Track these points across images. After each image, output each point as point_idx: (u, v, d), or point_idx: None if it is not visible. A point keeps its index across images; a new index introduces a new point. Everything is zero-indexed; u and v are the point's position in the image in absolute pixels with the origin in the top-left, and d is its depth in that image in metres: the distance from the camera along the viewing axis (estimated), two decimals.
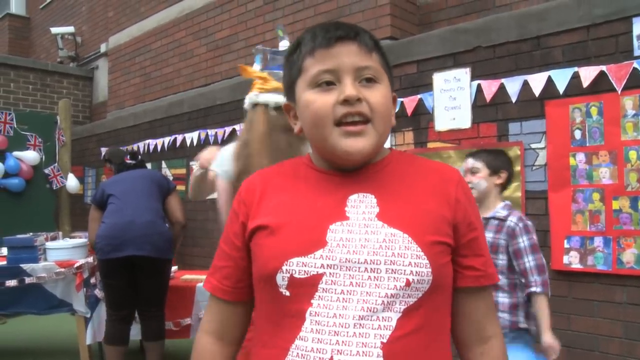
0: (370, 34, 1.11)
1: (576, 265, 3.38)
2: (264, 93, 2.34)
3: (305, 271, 1.01)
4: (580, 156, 3.40)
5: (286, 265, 1.01)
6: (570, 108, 3.44)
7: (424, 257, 1.00)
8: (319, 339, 0.98)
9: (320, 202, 1.08)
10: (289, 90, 1.15)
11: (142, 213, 3.92)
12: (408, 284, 0.99)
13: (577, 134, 3.42)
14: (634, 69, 3.18)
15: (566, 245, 3.42)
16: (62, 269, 4.32)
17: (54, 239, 4.85)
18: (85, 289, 4.38)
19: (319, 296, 1.00)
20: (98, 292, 4.35)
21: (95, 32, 9.99)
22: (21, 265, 4.27)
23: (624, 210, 3.24)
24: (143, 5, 8.23)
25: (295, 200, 1.10)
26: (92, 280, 4.42)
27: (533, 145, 3.61)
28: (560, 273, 3.45)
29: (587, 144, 3.38)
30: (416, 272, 0.99)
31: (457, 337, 1.16)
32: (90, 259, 4.47)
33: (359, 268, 0.99)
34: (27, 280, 4.23)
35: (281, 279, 1.02)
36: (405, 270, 0.99)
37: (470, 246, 1.11)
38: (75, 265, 4.35)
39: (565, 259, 3.41)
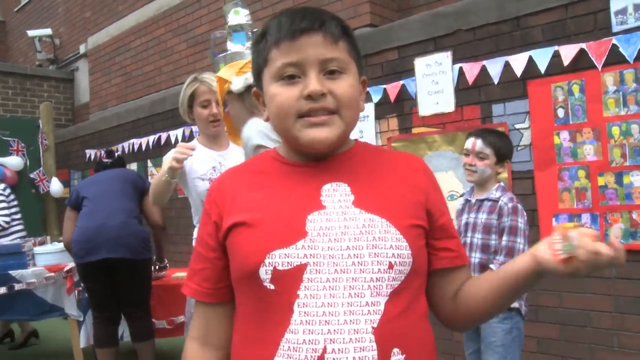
0: (337, 20, 1.09)
1: None
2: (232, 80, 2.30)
3: (288, 262, 0.99)
4: (564, 134, 3.42)
5: (268, 258, 1.00)
6: (552, 87, 3.46)
7: (403, 240, 1.03)
8: (310, 330, 0.97)
9: (294, 194, 1.07)
10: (257, 78, 1.14)
11: (115, 214, 3.83)
12: (391, 266, 1.00)
13: (560, 113, 3.44)
14: (613, 45, 3.19)
15: (554, 224, 3.45)
16: (52, 274, 4.29)
17: (42, 243, 4.81)
18: (76, 292, 4.35)
19: (305, 286, 0.98)
20: None
21: (74, 34, 9.87)
22: (10, 272, 4.22)
23: (610, 186, 3.26)
24: (120, 4, 8.15)
25: (269, 194, 1.09)
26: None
27: (517, 126, 3.63)
28: None
29: (571, 122, 3.40)
30: (397, 254, 1.01)
31: (443, 317, 1.18)
32: None
33: (342, 255, 0.99)
34: (17, 286, 4.19)
35: (264, 273, 1.00)
36: (387, 254, 1.00)
37: (444, 229, 1.14)
38: (65, 269, 4.32)
39: None
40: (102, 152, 4.59)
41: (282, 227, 1.03)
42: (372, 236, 1.01)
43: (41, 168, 6.70)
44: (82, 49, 9.44)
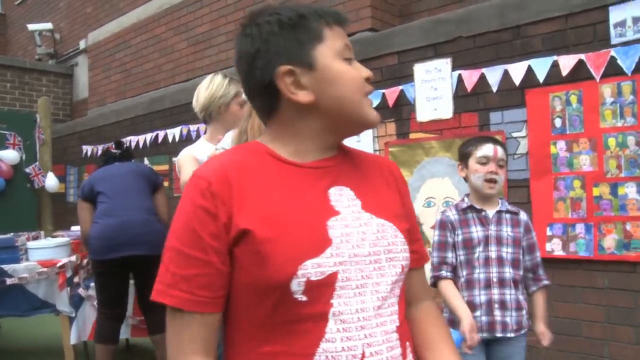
0: None
1: (559, 252, 3.41)
2: None
3: (321, 272, 0.97)
4: (561, 144, 3.43)
5: (301, 269, 0.96)
6: (551, 96, 3.47)
7: (405, 242, 1.09)
8: (347, 337, 0.97)
9: (305, 198, 1.04)
10: (296, 52, 1.05)
11: (136, 212, 3.89)
12: (402, 269, 1.07)
13: (558, 122, 3.44)
14: (612, 57, 3.21)
15: (548, 233, 3.45)
16: (45, 269, 4.27)
17: (35, 238, 4.80)
18: (68, 288, 4.34)
19: (338, 295, 0.98)
20: (82, 291, 4.31)
21: (74, 29, 9.86)
22: (2, 266, 4.21)
23: (604, 197, 3.27)
24: (122, 0, 8.14)
25: (281, 197, 1.02)
26: (76, 280, 4.38)
27: (514, 134, 3.63)
28: (543, 260, 3.46)
29: (568, 132, 3.41)
30: (404, 257, 1.08)
31: None
32: (73, 258, 4.43)
33: (365, 261, 1.02)
34: (9, 281, 4.18)
35: (297, 285, 0.96)
36: (399, 257, 1.07)
37: (413, 231, 1.19)
38: (58, 265, 4.31)
39: (548, 246, 3.44)
40: (112, 143, 4.54)
41: (308, 234, 0.99)
42: (387, 241, 1.06)
43: (37, 163, 6.68)
44: (82, 44, 9.42)
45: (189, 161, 2.79)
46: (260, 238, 0.97)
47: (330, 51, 1.07)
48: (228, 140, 2.55)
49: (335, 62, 1.07)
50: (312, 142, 1.10)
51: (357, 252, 1.01)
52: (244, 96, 2.88)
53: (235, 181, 1.02)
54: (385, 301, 1.03)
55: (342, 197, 1.07)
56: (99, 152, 7.20)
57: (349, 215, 1.04)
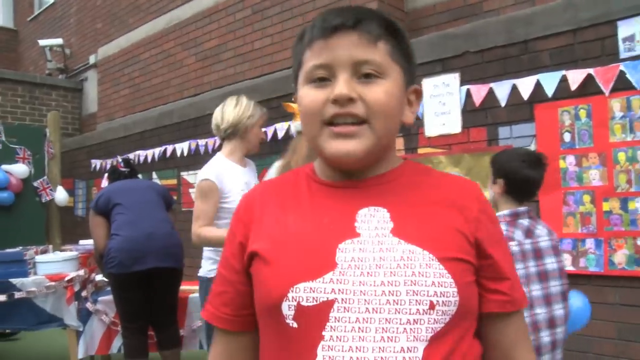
0: (381, 18, 0.97)
1: (569, 267, 3.38)
2: None
3: (313, 297, 0.88)
4: (570, 158, 3.42)
5: (292, 291, 0.89)
6: (559, 111, 3.46)
7: (447, 275, 0.89)
8: None
9: (326, 218, 0.96)
10: (295, 82, 1.04)
11: (160, 225, 3.91)
12: (432, 306, 0.87)
13: (567, 137, 3.43)
14: (621, 71, 3.20)
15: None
16: (53, 283, 4.27)
17: (44, 252, 4.81)
18: (76, 302, 4.33)
19: (331, 326, 0.86)
20: (90, 305, 4.31)
21: (84, 44, 9.97)
22: (10, 279, 4.21)
23: (614, 212, 3.25)
24: (131, 16, 8.23)
25: (298, 218, 0.98)
26: (84, 294, 4.38)
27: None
28: None
29: (577, 147, 3.39)
30: (440, 292, 0.87)
31: None
32: (82, 272, 4.43)
33: (376, 291, 0.87)
34: (17, 295, 4.18)
35: (287, 308, 0.89)
36: (428, 292, 0.87)
37: (496, 267, 0.98)
38: (66, 279, 4.31)
39: None
40: (119, 160, 4.58)
41: (309, 256, 0.92)
42: (412, 271, 0.88)
43: (45, 177, 6.71)
44: (92, 59, 9.52)
45: (209, 195, 2.94)
46: (264, 258, 0.95)
47: (302, 77, 0.99)
48: (272, 171, 2.75)
49: (303, 87, 0.98)
50: (327, 166, 1.02)
51: (365, 281, 0.88)
52: (264, 121, 3.19)
53: (259, 204, 1.04)
54: (396, 343, 0.85)
55: (372, 218, 0.94)
56: (108, 166, 7.23)
57: (370, 238, 0.92)
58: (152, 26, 7.72)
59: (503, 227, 2.24)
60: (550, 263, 2.24)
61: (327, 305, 0.87)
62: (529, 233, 2.26)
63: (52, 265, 4.47)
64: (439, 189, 1.00)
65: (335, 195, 0.99)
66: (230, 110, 3.11)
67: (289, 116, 5.00)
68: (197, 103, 6.43)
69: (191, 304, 4.26)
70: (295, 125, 2.62)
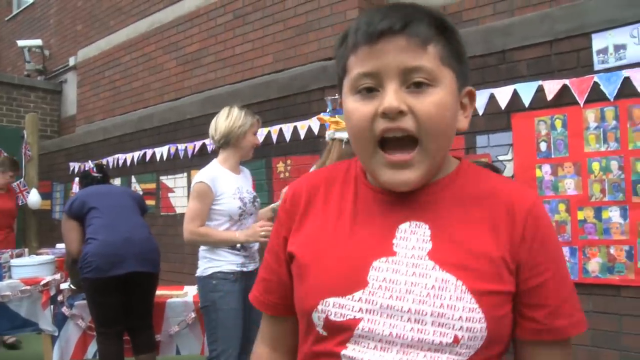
0: (431, 17, 0.89)
1: None
2: (339, 131, 2.64)
3: (341, 314, 0.88)
4: (546, 167, 3.47)
5: (322, 304, 0.90)
6: (536, 120, 3.51)
7: (478, 311, 0.84)
8: None
9: (366, 230, 0.93)
10: (340, 89, 0.97)
11: (137, 229, 3.89)
12: (456, 340, 0.84)
13: (543, 146, 3.49)
14: (595, 82, 3.27)
15: None
16: (28, 287, 4.22)
17: (19, 255, 4.75)
18: (52, 306, 4.28)
19: (355, 341, 0.88)
20: (65, 310, 4.26)
21: (64, 45, 9.87)
22: None
23: (589, 220, 3.31)
24: (112, 18, 8.18)
25: (339, 224, 0.96)
26: (60, 298, 4.33)
27: (500, 157, 3.67)
28: None
29: (553, 156, 3.45)
30: (467, 327, 0.84)
31: None
32: (58, 276, 4.38)
33: (402, 317, 0.86)
34: None
35: (317, 318, 0.91)
36: (454, 325, 0.84)
37: (534, 294, 0.90)
38: (42, 283, 4.26)
39: None
40: (91, 165, 4.55)
41: (342, 271, 0.91)
42: (441, 302, 0.85)
43: (22, 179, 6.63)
44: (71, 61, 9.44)
45: (203, 197, 3.12)
46: (300, 262, 0.97)
47: (347, 85, 0.93)
48: None
49: (347, 99, 0.92)
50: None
51: (393, 305, 0.86)
52: (257, 128, 3.30)
53: (305, 198, 1.02)
54: None
55: (412, 235, 0.91)
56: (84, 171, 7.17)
57: (405, 259, 0.89)
58: (134, 29, 7.68)
59: None
60: None
61: (354, 322, 0.88)
62: None
63: (28, 269, 4.41)
64: (488, 202, 0.93)
65: (379, 203, 0.95)
66: (222, 122, 3.27)
67: (269, 122, 5.01)
68: (177, 107, 6.41)
69: (169, 309, 4.23)
70: (328, 134, 2.74)
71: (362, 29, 0.88)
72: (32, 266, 4.44)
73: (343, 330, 0.88)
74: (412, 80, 0.86)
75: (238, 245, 3.14)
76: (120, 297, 3.84)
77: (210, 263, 3.15)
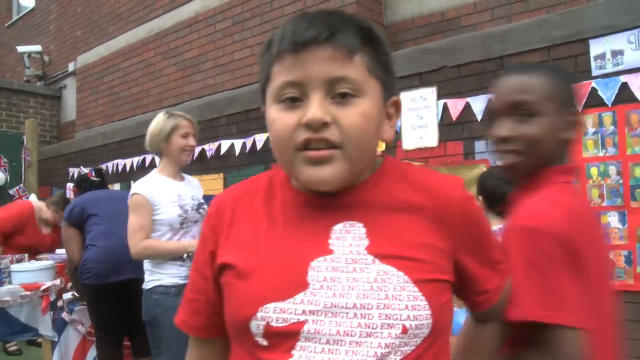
0: (357, 26, 0.88)
1: None
2: None
3: (283, 319, 0.85)
4: None
5: (261, 311, 0.86)
6: None
7: (422, 298, 0.85)
8: None
9: (299, 233, 0.92)
10: (262, 94, 0.96)
11: None
12: (405, 331, 0.84)
13: None
14: (593, 88, 3.28)
15: None
16: (28, 292, 4.22)
17: (19, 261, 4.75)
18: (51, 312, 4.29)
19: (301, 346, 0.84)
20: (65, 315, 4.27)
21: (63, 51, 9.89)
22: None
23: None
24: (112, 24, 8.20)
25: (270, 230, 0.94)
26: (59, 303, 4.33)
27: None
28: None
29: None
30: (414, 316, 0.84)
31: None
32: (58, 281, 4.39)
33: (347, 314, 0.84)
34: None
35: (256, 327, 0.87)
36: (401, 315, 0.84)
37: (473, 281, 1.00)
38: (42, 288, 4.26)
39: None
40: (91, 170, 4.54)
41: (280, 275, 0.88)
42: (385, 294, 0.84)
43: (22, 184, 6.65)
44: (71, 67, 9.45)
45: (141, 208, 3.02)
46: (234, 272, 0.92)
47: (270, 93, 0.91)
48: None
49: (270, 108, 0.91)
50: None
51: (336, 302, 0.84)
52: (185, 130, 3.13)
53: (229, 209, 0.99)
54: None
55: (347, 234, 0.90)
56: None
57: (343, 256, 0.88)
58: (133, 35, 7.70)
59: None
60: None
61: (298, 326, 0.85)
62: None
63: (28, 274, 4.41)
64: (420, 193, 0.94)
65: (309, 206, 0.94)
66: (148, 130, 3.22)
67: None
68: None
69: None
70: None
71: (288, 37, 0.86)
72: (32, 271, 4.44)
73: (287, 337, 0.85)
74: (337, 91, 0.86)
75: (184, 255, 2.98)
76: (119, 303, 3.85)
77: (152, 276, 3.07)
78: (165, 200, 3.03)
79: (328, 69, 0.85)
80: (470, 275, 0.97)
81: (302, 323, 0.84)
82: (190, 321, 1.02)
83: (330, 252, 0.88)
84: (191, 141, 3.18)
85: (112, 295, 3.81)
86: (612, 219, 3.24)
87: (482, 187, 2.45)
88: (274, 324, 0.85)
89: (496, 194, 2.35)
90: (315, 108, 0.84)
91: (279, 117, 0.88)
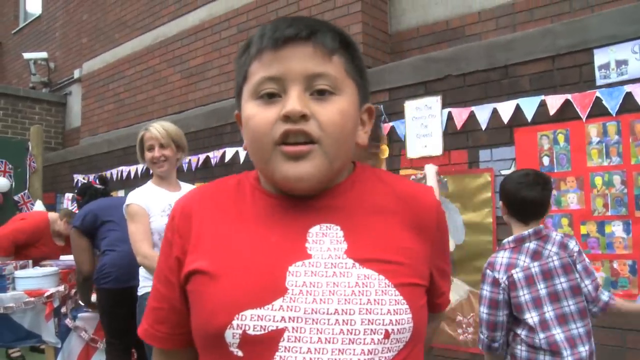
0: (336, 31, 0.90)
1: None
2: None
3: (261, 326, 0.81)
4: None
5: (237, 319, 0.81)
6: (538, 135, 3.53)
7: (403, 302, 0.84)
8: None
9: (274, 237, 0.88)
10: (238, 98, 0.95)
11: None
12: (387, 335, 0.82)
13: (546, 161, 3.50)
14: (597, 97, 3.29)
15: None
16: (32, 299, 4.23)
17: (23, 267, 4.76)
18: (55, 318, 4.29)
19: (281, 356, 0.80)
20: (69, 322, 4.27)
21: (69, 58, 9.95)
22: None
23: (592, 235, 3.31)
24: (117, 32, 8.24)
25: (243, 234, 0.90)
26: (63, 310, 4.34)
27: (503, 172, 3.68)
28: None
29: (555, 170, 3.46)
30: (396, 320, 0.83)
31: None
32: (61, 288, 4.39)
33: (329, 320, 0.81)
34: None
35: (231, 336, 0.82)
36: (383, 320, 0.82)
37: (442, 282, 1.04)
38: (46, 295, 4.27)
39: None
40: (94, 177, 4.57)
41: (256, 280, 0.84)
42: (367, 298, 0.82)
43: (26, 190, 6.67)
44: (76, 73, 9.50)
45: (138, 216, 3.03)
46: (205, 278, 0.87)
47: (247, 91, 0.91)
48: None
49: (247, 104, 0.90)
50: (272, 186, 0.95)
51: (317, 308, 0.81)
52: (149, 142, 3.13)
53: (196, 212, 0.95)
54: None
55: (324, 237, 0.87)
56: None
57: (322, 260, 0.85)
58: (138, 42, 7.74)
59: (507, 254, 2.32)
60: (560, 283, 2.27)
61: (277, 334, 0.81)
62: (536, 255, 2.29)
63: (32, 280, 4.42)
64: (396, 199, 0.95)
65: (283, 209, 0.91)
66: None
67: None
68: (181, 120, 6.43)
69: None
70: None
71: (268, 35, 0.87)
72: (36, 278, 4.45)
73: (265, 345, 0.81)
74: (316, 87, 0.86)
75: None
76: (132, 308, 3.87)
77: (144, 282, 3.11)
78: (156, 210, 3.07)
79: (308, 65, 0.86)
80: (435, 279, 0.99)
81: (281, 330, 0.81)
82: (153, 331, 0.98)
83: (309, 256, 0.86)
84: (155, 152, 3.14)
85: (127, 299, 3.82)
86: (617, 229, 3.23)
87: (503, 192, 2.46)
88: (251, 332, 0.81)
89: (517, 199, 2.36)
90: (295, 101, 0.84)
91: (257, 112, 0.87)
